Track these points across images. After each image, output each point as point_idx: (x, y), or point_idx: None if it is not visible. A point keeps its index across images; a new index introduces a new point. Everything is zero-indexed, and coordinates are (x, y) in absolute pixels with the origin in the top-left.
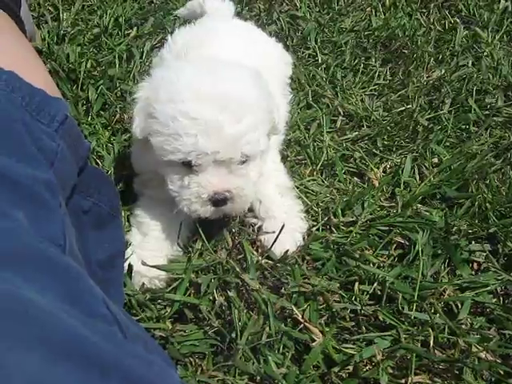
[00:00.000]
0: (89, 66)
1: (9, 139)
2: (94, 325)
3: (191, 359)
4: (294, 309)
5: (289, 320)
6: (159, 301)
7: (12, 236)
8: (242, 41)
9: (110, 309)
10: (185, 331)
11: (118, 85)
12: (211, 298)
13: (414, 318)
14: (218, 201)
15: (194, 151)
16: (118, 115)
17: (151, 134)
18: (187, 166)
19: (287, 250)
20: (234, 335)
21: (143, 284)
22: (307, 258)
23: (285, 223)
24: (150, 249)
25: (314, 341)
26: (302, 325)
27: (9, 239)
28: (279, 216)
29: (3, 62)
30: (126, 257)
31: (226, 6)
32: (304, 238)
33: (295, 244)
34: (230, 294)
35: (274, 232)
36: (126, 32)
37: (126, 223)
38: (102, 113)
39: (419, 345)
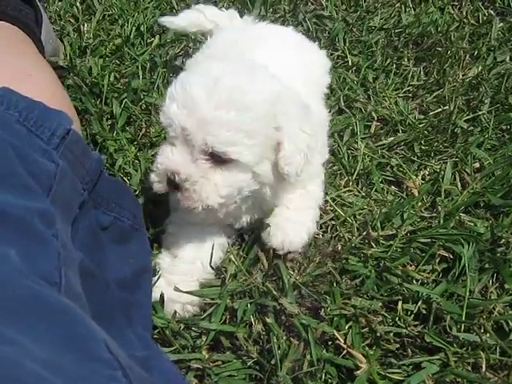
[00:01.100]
0: (112, 78)
1: None
2: (96, 371)
3: None
4: (336, 334)
5: (330, 344)
6: (194, 328)
7: (3, 279)
8: (290, 50)
9: (113, 352)
10: (222, 361)
11: (142, 97)
12: (248, 322)
13: (463, 339)
14: (171, 182)
15: (168, 119)
16: (143, 129)
17: None
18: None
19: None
20: (273, 362)
21: (175, 312)
22: (345, 275)
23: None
24: (179, 273)
25: (358, 367)
26: (344, 350)
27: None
28: (291, 207)
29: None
30: (153, 281)
31: (236, 15)
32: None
33: (300, 238)
34: (268, 320)
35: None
36: (149, 41)
37: (155, 244)
38: (127, 128)
39: (470, 368)
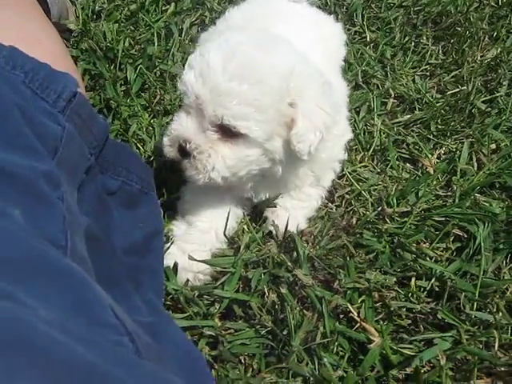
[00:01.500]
0: (126, 44)
1: (3, 129)
2: (102, 336)
3: (242, 359)
4: (350, 307)
5: (342, 317)
6: (206, 296)
7: (8, 239)
8: (307, 24)
9: (119, 317)
10: (234, 330)
11: (156, 64)
12: (261, 292)
13: (475, 317)
14: (181, 148)
15: (182, 86)
16: (158, 96)
17: None
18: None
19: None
20: (285, 332)
21: (187, 280)
22: (359, 249)
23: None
24: (193, 242)
25: (370, 341)
26: (357, 324)
27: (5, 243)
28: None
29: (5, 36)
30: (166, 247)
31: None
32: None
33: (306, 220)
34: (283, 290)
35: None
36: (164, 8)
37: (169, 211)
38: (141, 94)
39: (481, 346)
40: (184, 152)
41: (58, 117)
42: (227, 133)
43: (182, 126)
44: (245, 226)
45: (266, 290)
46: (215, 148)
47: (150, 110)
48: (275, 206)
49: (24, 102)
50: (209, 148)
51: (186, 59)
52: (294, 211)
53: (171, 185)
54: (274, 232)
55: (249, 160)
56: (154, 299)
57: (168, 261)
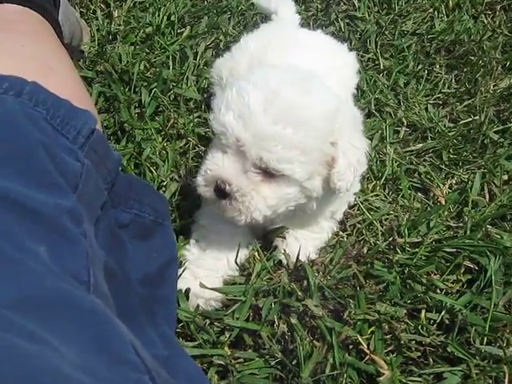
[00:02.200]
0: (142, 67)
1: (29, 166)
2: (123, 374)
3: None
4: (360, 339)
5: (352, 348)
6: (216, 324)
7: (34, 278)
8: (321, 52)
9: (140, 354)
10: (244, 359)
11: (171, 87)
12: (271, 322)
13: (485, 351)
14: (219, 190)
15: (220, 127)
16: (172, 120)
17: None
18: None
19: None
20: (295, 362)
21: (198, 306)
22: (369, 279)
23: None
24: (206, 267)
25: (379, 373)
26: (367, 356)
27: (31, 282)
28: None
29: (25, 68)
30: (179, 272)
31: (296, 17)
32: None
33: (316, 251)
34: (293, 321)
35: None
36: (179, 31)
37: (181, 236)
38: (155, 117)
39: (491, 381)
40: (222, 193)
41: (78, 153)
42: (268, 174)
43: (219, 166)
44: (256, 254)
45: (276, 319)
46: (257, 189)
47: (163, 133)
48: (285, 237)
49: (47, 139)
50: (251, 190)
51: (201, 83)
52: (305, 241)
53: (184, 209)
54: (284, 261)
55: (288, 198)
56: (167, 331)
57: (180, 285)
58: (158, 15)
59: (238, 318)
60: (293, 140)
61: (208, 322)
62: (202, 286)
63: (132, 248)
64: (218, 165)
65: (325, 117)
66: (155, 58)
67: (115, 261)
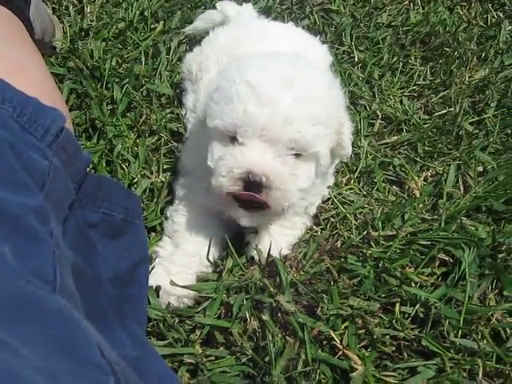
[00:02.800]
0: (114, 63)
1: None
2: (88, 376)
3: None
4: (333, 334)
5: (325, 344)
6: (188, 321)
7: None
8: (291, 46)
9: (105, 356)
10: (215, 357)
11: (143, 83)
12: (243, 318)
13: (460, 344)
14: (252, 183)
15: (241, 119)
16: (144, 116)
17: (208, 111)
18: (233, 140)
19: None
20: (267, 359)
21: (169, 303)
22: (343, 274)
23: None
24: (179, 264)
25: (353, 369)
26: (340, 351)
27: None
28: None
29: None
30: (152, 268)
31: (248, 9)
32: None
33: (289, 247)
34: (264, 317)
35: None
36: (152, 26)
37: (153, 233)
38: (127, 114)
39: (466, 374)
40: (254, 187)
41: (46, 151)
42: (298, 155)
43: (246, 159)
44: (229, 250)
45: (247, 316)
46: (294, 172)
47: (135, 129)
48: (257, 232)
49: (13, 137)
50: (290, 175)
51: (174, 78)
52: (278, 237)
53: (155, 205)
54: (256, 257)
55: (313, 176)
56: (138, 331)
57: (152, 281)
58: (131, 10)
59: (208, 315)
60: (318, 116)
61: (178, 320)
62: (172, 283)
63: (102, 247)
64: (242, 159)
65: (335, 87)
66: (128, 53)
67: (84, 260)
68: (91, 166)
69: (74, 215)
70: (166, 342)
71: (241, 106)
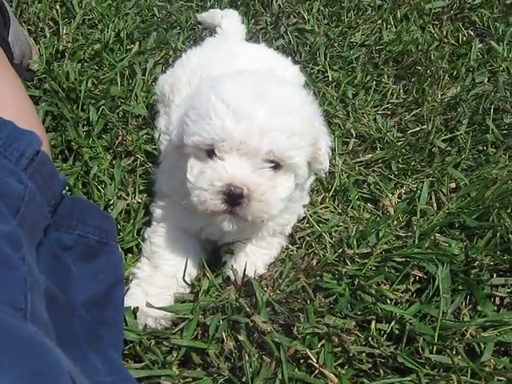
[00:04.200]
0: (89, 84)
1: None
2: None
3: None
4: (309, 353)
5: (302, 362)
6: (165, 343)
7: None
8: (265, 66)
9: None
10: (193, 378)
11: (119, 104)
12: (220, 339)
13: (435, 360)
14: (233, 195)
15: (219, 134)
16: (120, 137)
17: (184, 128)
18: (211, 155)
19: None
20: (244, 380)
21: (145, 326)
22: (319, 292)
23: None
24: (157, 285)
25: None
26: (316, 370)
27: None
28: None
29: None
30: (130, 290)
31: (241, 29)
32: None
33: (265, 266)
34: (241, 337)
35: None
36: (128, 47)
37: (129, 255)
38: (103, 135)
39: None
40: (236, 199)
41: (21, 175)
42: (276, 167)
43: (228, 173)
44: (205, 271)
45: (224, 336)
46: (272, 184)
47: (111, 151)
48: (233, 253)
49: None
50: (269, 186)
51: (149, 99)
52: (254, 257)
53: (132, 227)
54: (232, 277)
55: (292, 188)
56: (113, 355)
57: (130, 301)
58: (107, 31)
59: (185, 336)
60: (292, 127)
61: (155, 341)
62: (148, 305)
63: (77, 270)
64: (224, 173)
65: (307, 102)
66: (103, 74)
67: (57, 285)
68: (67, 188)
69: (49, 238)
70: (143, 364)
71: (218, 122)
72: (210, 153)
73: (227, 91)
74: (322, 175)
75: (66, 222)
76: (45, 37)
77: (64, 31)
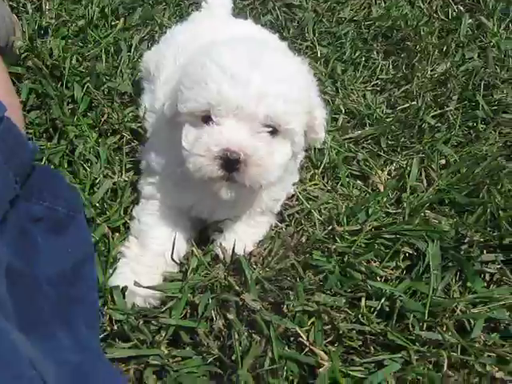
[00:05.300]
0: (74, 61)
1: None
2: None
3: None
4: (299, 331)
5: (292, 340)
6: (153, 322)
7: None
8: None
9: (37, 368)
10: (182, 357)
11: (104, 81)
12: (209, 317)
13: (425, 337)
14: (229, 161)
15: (215, 99)
16: (105, 115)
17: (179, 97)
18: (207, 121)
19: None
20: (233, 358)
21: (133, 305)
22: (308, 270)
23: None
24: (146, 264)
25: (320, 365)
26: (306, 347)
27: None
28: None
29: None
30: (118, 269)
31: (227, 3)
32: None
33: (254, 244)
34: (230, 316)
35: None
36: (113, 23)
37: (116, 234)
38: (88, 113)
39: (431, 366)
40: (233, 164)
41: None
42: (273, 132)
43: (224, 137)
44: (193, 249)
45: (213, 315)
46: (269, 149)
47: (97, 129)
48: (222, 231)
49: None
50: (266, 151)
51: (135, 75)
52: (243, 234)
53: (118, 206)
54: (221, 255)
55: (289, 154)
56: (84, 332)
57: (118, 280)
58: (91, 7)
59: (174, 315)
60: (289, 93)
61: (143, 321)
62: (136, 284)
63: (45, 243)
64: (220, 137)
65: (303, 70)
66: (88, 51)
67: (23, 259)
68: (52, 167)
69: (17, 210)
70: (132, 343)
71: (214, 86)
72: (206, 119)
73: (223, 56)
74: (318, 146)
75: (36, 193)
76: (27, 13)
77: (47, 7)
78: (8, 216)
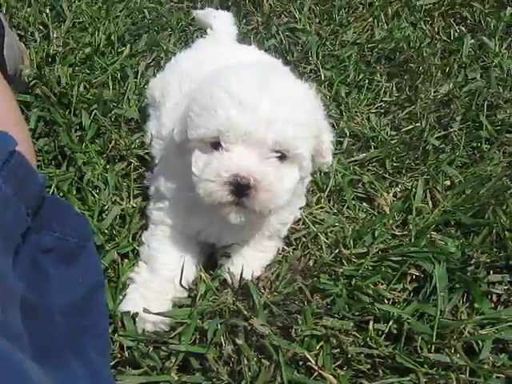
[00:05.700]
0: (81, 88)
1: None
2: None
3: None
4: (307, 355)
5: (301, 364)
6: (163, 348)
7: None
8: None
9: None
10: (192, 383)
11: (111, 108)
12: (218, 343)
13: (433, 359)
14: (239, 186)
15: (224, 125)
16: (113, 141)
17: (188, 123)
18: (216, 147)
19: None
20: (243, 383)
21: (143, 331)
22: (316, 293)
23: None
24: (155, 290)
25: None
26: (315, 372)
27: None
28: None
29: None
30: (128, 295)
31: (232, 30)
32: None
33: (261, 269)
34: (239, 341)
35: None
36: (119, 50)
37: (125, 260)
38: (96, 140)
39: None
40: (243, 189)
41: None
42: (281, 157)
43: (234, 163)
44: (202, 274)
45: (222, 340)
46: (278, 174)
47: (105, 155)
48: (230, 256)
49: None
50: (275, 176)
51: (142, 102)
52: (250, 259)
53: (127, 232)
54: (229, 280)
55: (297, 179)
56: (96, 361)
57: (128, 306)
58: (98, 35)
59: (183, 341)
60: (297, 118)
61: (153, 347)
62: (146, 311)
63: (56, 274)
64: (230, 163)
65: (310, 94)
66: (95, 78)
67: (35, 292)
68: (61, 194)
69: (29, 242)
70: (142, 370)
71: (223, 112)
72: (216, 145)
73: (231, 83)
74: (325, 169)
75: (46, 223)
76: (35, 41)
77: (54, 35)
78: (21, 248)
